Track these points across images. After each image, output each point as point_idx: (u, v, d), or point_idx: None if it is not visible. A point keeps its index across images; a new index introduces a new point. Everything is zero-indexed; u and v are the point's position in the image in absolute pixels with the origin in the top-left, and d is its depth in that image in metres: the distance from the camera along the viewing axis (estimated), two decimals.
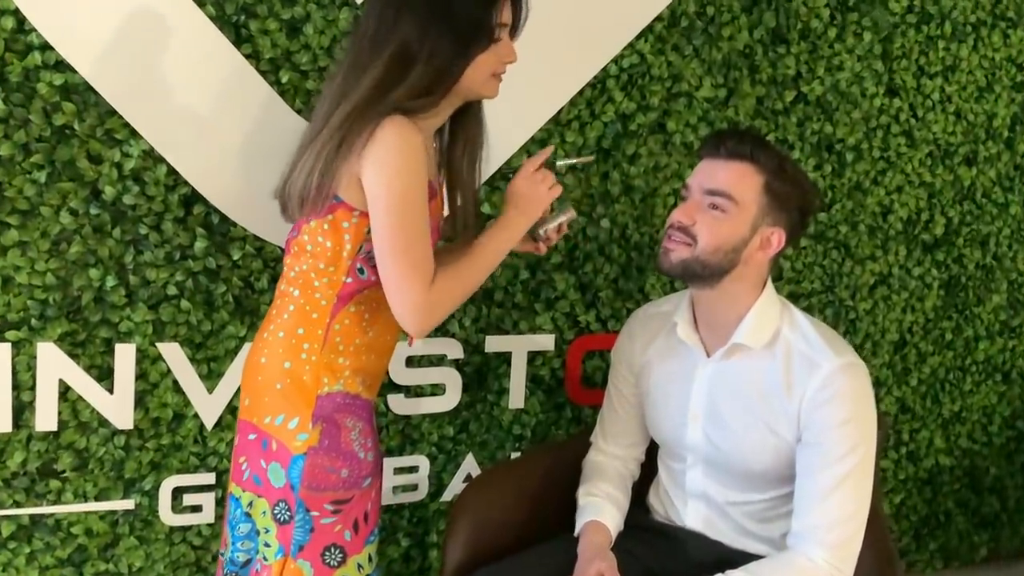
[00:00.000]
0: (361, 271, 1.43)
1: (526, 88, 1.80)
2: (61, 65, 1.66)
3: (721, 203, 1.48)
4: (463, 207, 1.54)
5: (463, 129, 1.52)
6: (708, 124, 2.16)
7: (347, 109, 1.37)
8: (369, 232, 1.40)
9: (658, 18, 2.07)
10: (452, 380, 2.06)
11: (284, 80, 1.80)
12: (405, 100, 1.37)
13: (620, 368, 1.71)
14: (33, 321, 1.72)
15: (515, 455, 2.15)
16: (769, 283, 1.56)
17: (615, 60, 2.05)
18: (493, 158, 1.61)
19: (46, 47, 1.65)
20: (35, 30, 1.64)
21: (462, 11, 1.37)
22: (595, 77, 2.04)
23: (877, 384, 2.51)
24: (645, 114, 2.09)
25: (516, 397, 2.12)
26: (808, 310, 2.36)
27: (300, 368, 1.43)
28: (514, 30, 1.47)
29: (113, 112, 1.70)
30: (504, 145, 1.98)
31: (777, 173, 1.48)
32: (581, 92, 2.04)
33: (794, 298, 2.34)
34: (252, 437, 1.46)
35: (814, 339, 1.51)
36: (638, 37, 2.06)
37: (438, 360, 2.05)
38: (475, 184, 1.55)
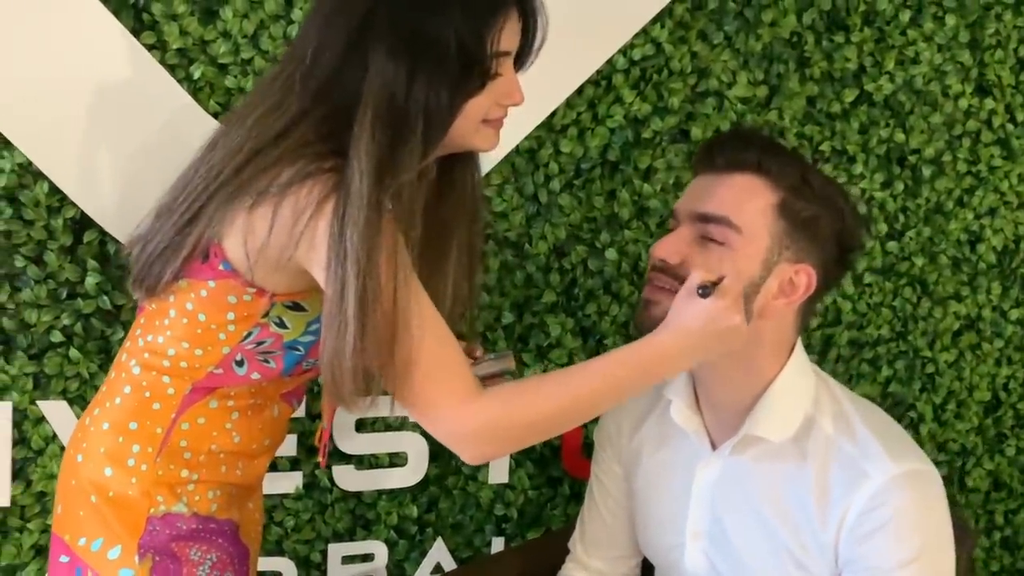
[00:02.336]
0: (240, 364, 1.09)
1: None
2: None
3: (718, 232, 1.09)
4: (453, 302, 1.18)
5: (450, 189, 1.16)
6: None
7: (270, 162, 1.04)
8: (267, 316, 1.07)
9: None
10: (416, 447, 1.72)
11: (197, 76, 1.50)
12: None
13: (605, 456, 1.32)
14: None
15: (497, 540, 1.80)
16: (799, 347, 1.14)
17: (624, 51, 1.71)
18: None
19: None
20: None
21: (444, 37, 0.98)
22: (598, 71, 1.71)
23: (964, 453, 2.11)
24: (663, 118, 1.75)
25: (498, 469, 1.78)
26: (874, 362, 1.97)
27: (124, 479, 1.08)
28: (521, 60, 1.08)
29: None
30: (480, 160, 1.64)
31: (797, 188, 1.09)
32: (581, 90, 1.70)
33: (857, 347, 1.95)
34: (64, 560, 1.11)
35: (863, 434, 1.08)
36: (653, 22, 1.71)
37: (398, 423, 1.71)
38: (472, 268, 1.19)
